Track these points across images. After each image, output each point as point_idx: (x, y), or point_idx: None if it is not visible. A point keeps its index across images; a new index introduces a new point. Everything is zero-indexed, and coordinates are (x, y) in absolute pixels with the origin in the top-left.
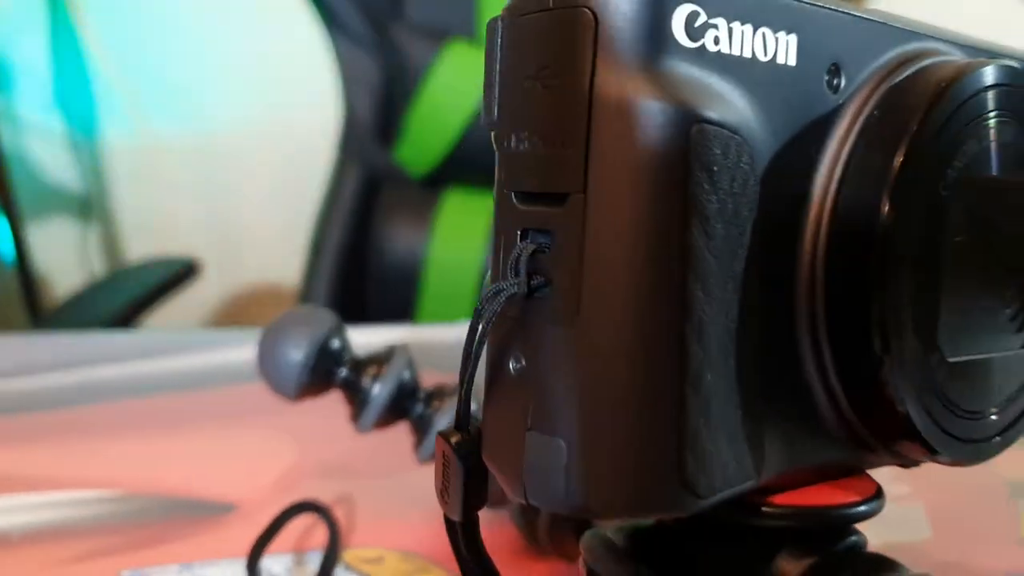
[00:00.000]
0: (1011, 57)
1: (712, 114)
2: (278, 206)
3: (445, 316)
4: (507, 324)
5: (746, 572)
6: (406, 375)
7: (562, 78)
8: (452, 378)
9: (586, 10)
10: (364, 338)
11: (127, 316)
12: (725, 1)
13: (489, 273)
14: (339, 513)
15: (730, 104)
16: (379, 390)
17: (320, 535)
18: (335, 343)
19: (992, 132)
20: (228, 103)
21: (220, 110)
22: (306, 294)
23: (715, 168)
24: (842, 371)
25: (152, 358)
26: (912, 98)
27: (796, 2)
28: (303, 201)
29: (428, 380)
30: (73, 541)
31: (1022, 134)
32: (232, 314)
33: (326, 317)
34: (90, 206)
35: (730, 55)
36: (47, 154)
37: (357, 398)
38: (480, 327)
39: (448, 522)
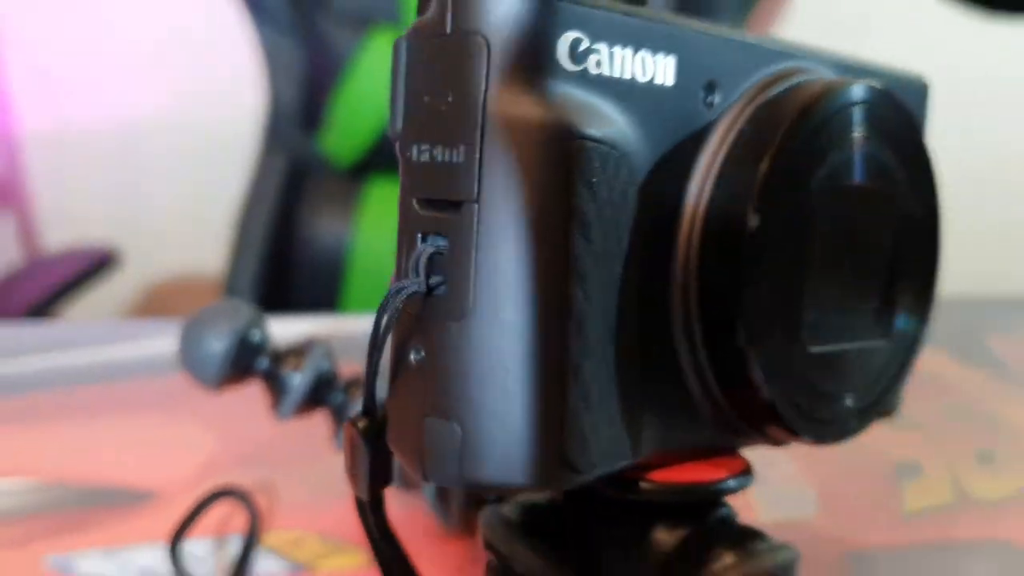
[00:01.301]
0: (876, 74)
1: (592, 131)
2: (198, 195)
3: (370, 306)
4: (409, 319)
5: (627, 544)
6: (324, 365)
7: (458, 97)
8: None
9: (479, 37)
10: (291, 328)
11: (42, 308)
12: (607, 27)
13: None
14: (260, 498)
15: (610, 121)
16: (299, 380)
17: (241, 520)
18: (255, 335)
19: (853, 144)
20: (147, 88)
21: (139, 95)
22: (229, 285)
23: (594, 180)
24: (714, 363)
25: (69, 349)
26: (780, 113)
27: (674, 26)
28: (224, 190)
29: (353, 370)
30: None
31: (880, 146)
32: (151, 306)
33: (247, 310)
34: (4, 194)
35: (611, 77)
36: None
37: (277, 387)
38: (383, 322)
39: (358, 501)
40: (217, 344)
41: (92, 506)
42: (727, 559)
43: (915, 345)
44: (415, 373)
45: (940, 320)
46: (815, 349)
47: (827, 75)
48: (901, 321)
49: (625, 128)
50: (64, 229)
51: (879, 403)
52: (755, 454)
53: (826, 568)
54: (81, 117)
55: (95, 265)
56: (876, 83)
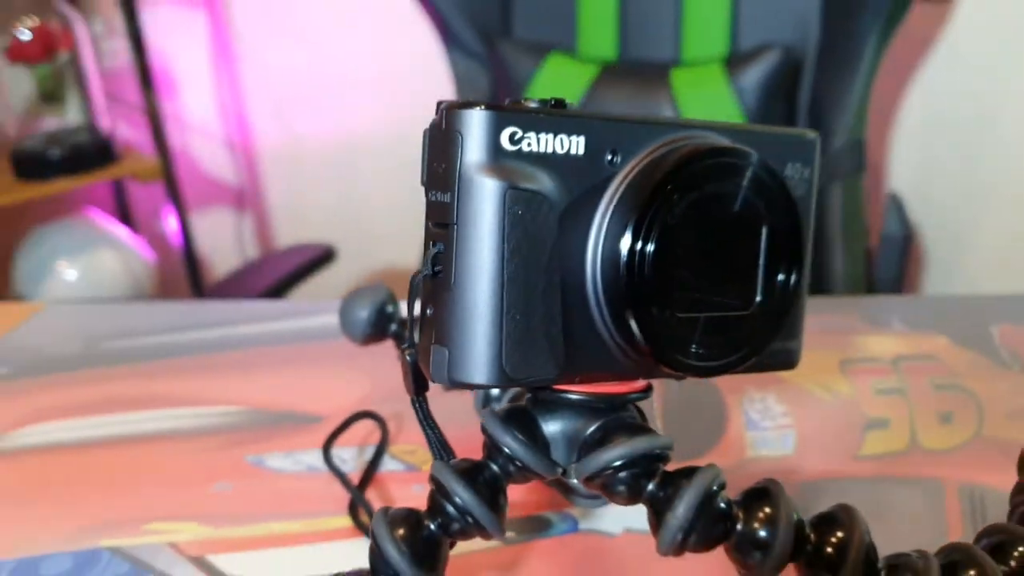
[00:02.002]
0: (765, 134)
1: (522, 184)
2: (402, 201)
3: None
4: (426, 291)
5: (563, 430)
6: None
7: (447, 166)
8: None
9: (458, 133)
10: None
11: (274, 293)
12: (534, 122)
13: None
14: (391, 423)
15: (535, 178)
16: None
17: (376, 436)
18: (389, 307)
19: (705, 184)
20: (362, 109)
21: (355, 115)
22: None
23: (520, 212)
24: (618, 328)
25: (275, 321)
26: (659, 165)
27: (583, 117)
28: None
29: None
30: (215, 437)
31: (723, 186)
32: None
33: (384, 290)
34: (243, 200)
35: (538, 152)
36: (206, 153)
37: (402, 344)
38: (413, 293)
39: (411, 400)
40: (362, 313)
41: (280, 425)
42: (620, 439)
43: (779, 317)
44: (429, 321)
45: (949, 311)
46: (682, 315)
47: (714, 140)
48: (762, 298)
49: (547, 182)
50: (293, 228)
51: (751, 354)
52: (757, 411)
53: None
54: (309, 133)
55: (318, 258)
56: (735, 142)
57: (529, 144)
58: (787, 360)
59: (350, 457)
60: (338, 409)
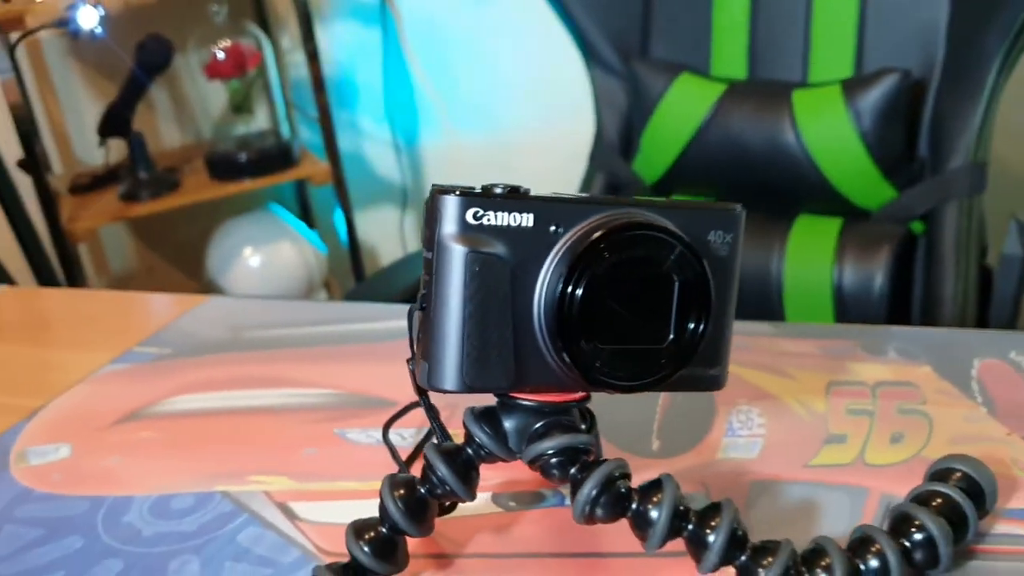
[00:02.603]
0: (693, 208)
1: (481, 248)
2: None
3: None
4: (418, 321)
5: (518, 427)
6: None
7: (430, 232)
8: None
9: (438, 209)
10: None
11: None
12: (493, 204)
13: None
14: (443, 412)
15: (492, 244)
16: None
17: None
18: None
19: (628, 250)
20: (514, 118)
21: (508, 123)
22: None
23: (478, 269)
24: (557, 354)
25: (374, 321)
26: (591, 232)
27: (533, 200)
28: None
29: None
30: (314, 413)
31: (643, 251)
32: None
33: None
34: (407, 197)
35: (495, 225)
36: (376, 155)
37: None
38: (411, 322)
39: (419, 398)
40: None
41: (363, 406)
42: (556, 434)
43: (688, 352)
44: (419, 342)
45: (943, 343)
46: (605, 347)
47: (641, 217)
48: (674, 336)
49: (501, 247)
50: None
51: (665, 378)
52: (740, 420)
53: (734, 488)
54: (468, 136)
55: None
56: (666, 216)
57: (488, 219)
58: (712, 383)
59: (409, 435)
60: (408, 396)
